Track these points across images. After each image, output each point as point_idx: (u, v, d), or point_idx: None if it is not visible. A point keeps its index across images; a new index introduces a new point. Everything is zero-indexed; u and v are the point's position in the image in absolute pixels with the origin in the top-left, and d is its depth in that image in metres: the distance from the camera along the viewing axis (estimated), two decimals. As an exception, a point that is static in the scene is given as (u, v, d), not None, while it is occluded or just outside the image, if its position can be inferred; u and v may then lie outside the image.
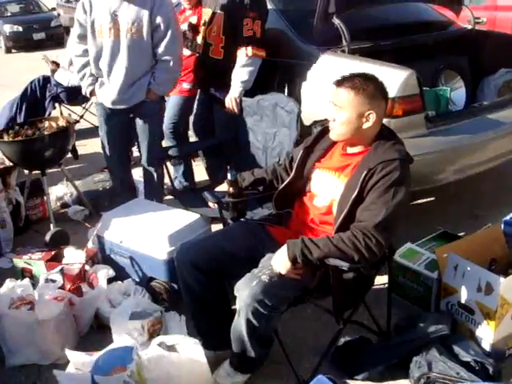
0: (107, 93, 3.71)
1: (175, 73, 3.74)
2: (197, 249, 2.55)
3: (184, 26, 4.42)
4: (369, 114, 2.29)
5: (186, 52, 4.44)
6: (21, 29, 17.39)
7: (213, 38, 3.84)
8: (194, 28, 4.33)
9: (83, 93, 3.89)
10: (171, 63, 3.62)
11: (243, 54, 3.64)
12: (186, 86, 4.46)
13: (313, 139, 2.63)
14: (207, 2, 3.98)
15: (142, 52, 3.59)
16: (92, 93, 3.80)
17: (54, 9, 19.30)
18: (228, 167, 2.77)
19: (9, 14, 19.23)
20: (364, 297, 2.62)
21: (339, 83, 2.34)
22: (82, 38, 3.70)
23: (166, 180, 4.28)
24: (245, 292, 2.22)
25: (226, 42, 3.76)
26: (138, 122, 3.82)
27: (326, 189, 2.46)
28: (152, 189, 3.99)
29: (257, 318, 2.24)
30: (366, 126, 2.31)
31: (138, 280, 3.21)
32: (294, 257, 2.19)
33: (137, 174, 4.47)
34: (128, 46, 3.55)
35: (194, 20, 4.38)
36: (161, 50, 3.59)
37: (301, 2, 4.54)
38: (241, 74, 3.65)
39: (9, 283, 3.05)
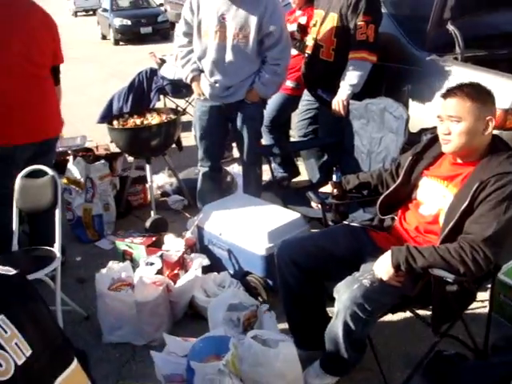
0: (208, 88, 3.76)
1: (282, 77, 3.75)
2: (298, 246, 2.56)
3: (293, 27, 4.45)
4: (488, 121, 2.22)
5: (293, 51, 4.47)
6: (129, 22, 18.10)
7: (324, 40, 3.82)
8: (303, 28, 4.35)
9: (184, 79, 3.93)
10: (280, 68, 3.64)
11: (354, 57, 3.60)
12: (289, 83, 4.49)
13: (422, 146, 2.58)
14: (320, 3, 3.97)
15: (247, 56, 3.59)
16: (193, 79, 3.82)
17: (161, 4, 19.97)
18: (334, 169, 2.75)
19: (119, 8, 20.07)
20: (463, 311, 2.55)
21: (449, 94, 2.27)
22: (187, 35, 3.78)
23: (265, 177, 4.31)
24: (345, 294, 2.22)
25: (338, 44, 3.73)
26: (238, 122, 3.83)
27: (434, 198, 2.40)
28: (250, 185, 4.03)
29: (354, 322, 2.23)
30: (485, 133, 2.24)
31: (233, 273, 3.26)
32: (398, 264, 2.16)
33: (236, 168, 4.54)
34: (233, 51, 3.56)
35: (303, 20, 4.40)
36: (273, 54, 3.60)
37: (414, 7, 4.44)
38: (350, 77, 3.61)
39: (111, 264, 3.18)
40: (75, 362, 1.13)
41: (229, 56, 3.58)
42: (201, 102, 3.88)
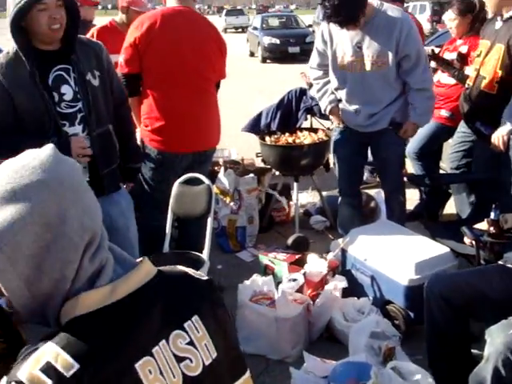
0: (350, 116, 3.75)
1: (434, 100, 3.72)
2: (449, 282, 2.50)
3: (452, 55, 4.36)
4: None
5: (451, 81, 4.38)
6: (278, 41, 18.61)
7: (488, 71, 3.70)
8: (463, 58, 4.25)
9: (322, 111, 3.98)
10: (429, 91, 3.61)
11: None
12: (444, 113, 4.40)
13: None
14: (486, 33, 3.85)
15: (388, 81, 3.58)
16: (332, 111, 3.85)
17: (310, 25, 20.23)
18: (493, 206, 2.66)
19: (269, 27, 20.67)
20: None
21: None
22: (322, 66, 3.80)
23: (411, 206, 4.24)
24: (498, 339, 2.13)
25: (503, 76, 3.60)
26: (381, 148, 3.80)
27: None
28: (393, 213, 3.96)
29: (506, 368, 2.12)
30: None
31: (373, 300, 3.22)
32: None
33: (381, 193, 4.50)
34: (372, 79, 3.55)
35: (464, 49, 4.30)
36: (415, 79, 3.55)
37: None
38: (513, 111, 3.47)
39: (255, 277, 3.26)
40: (248, 373, 1.18)
41: (368, 84, 3.58)
42: (340, 129, 3.90)
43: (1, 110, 2.50)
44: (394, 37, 3.45)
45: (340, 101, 3.80)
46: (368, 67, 3.54)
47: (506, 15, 3.57)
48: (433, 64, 4.47)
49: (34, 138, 2.39)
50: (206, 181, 3.28)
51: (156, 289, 1.08)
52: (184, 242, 3.69)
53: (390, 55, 3.48)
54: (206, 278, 1.17)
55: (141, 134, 3.50)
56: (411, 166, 4.68)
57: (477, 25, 4.19)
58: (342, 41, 3.59)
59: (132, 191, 3.15)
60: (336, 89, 3.76)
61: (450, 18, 4.34)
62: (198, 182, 3.32)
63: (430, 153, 4.62)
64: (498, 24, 3.66)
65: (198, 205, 3.26)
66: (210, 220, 3.24)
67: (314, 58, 3.86)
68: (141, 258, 1.10)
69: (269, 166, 4.51)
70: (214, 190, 4.18)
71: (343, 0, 3.29)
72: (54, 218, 0.97)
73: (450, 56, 4.42)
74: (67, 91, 2.60)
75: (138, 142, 3.43)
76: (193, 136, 3.48)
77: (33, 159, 1.00)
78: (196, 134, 3.49)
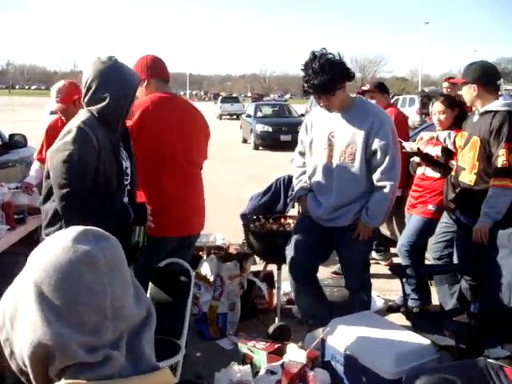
0: (314, 207, 3.73)
1: (390, 202, 3.60)
2: (427, 378, 2.42)
3: (436, 150, 4.43)
4: None
5: (436, 174, 4.43)
6: (270, 129, 19.05)
7: (467, 163, 3.77)
8: (448, 152, 4.31)
9: (292, 197, 4.00)
10: (388, 191, 3.51)
11: (497, 184, 3.49)
12: (431, 207, 4.42)
13: None
14: (466, 126, 3.95)
15: (356, 176, 3.52)
16: (300, 199, 3.85)
17: (302, 115, 20.72)
18: (473, 299, 2.64)
19: (262, 115, 21.19)
20: None
21: None
22: (302, 154, 3.87)
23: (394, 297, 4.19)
24: None
25: (480, 168, 3.67)
26: (342, 247, 3.73)
27: None
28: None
29: None
30: None
31: (354, 393, 3.14)
32: None
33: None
34: (339, 169, 3.53)
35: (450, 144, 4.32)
36: (377, 176, 3.51)
37: None
38: (492, 204, 3.50)
39: (232, 365, 3.18)
40: None
41: (336, 175, 3.56)
42: (304, 218, 3.86)
43: (92, 167, 2.65)
44: (365, 131, 3.45)
45: (311, 191, 3.78)
46: (337, 158, 3.54)
47: (482, 109, 3.69)
48: (417, 159, 4.56)
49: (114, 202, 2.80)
50: (187, 266, 3.25)
51: None
52: (162, 328, 3.60)
53: (359, 149, 3.47)
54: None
55: None
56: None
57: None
58: (318, 130, 3.65)
59: None
60: (309, 177, 3.77)
61: (440, 111, 4.41)
62: (180, 267, 3.29)
63: (420, 248, 4.63)
64: (476, 117, 3.78)
65: (177, 290, 3.22)
66: (188, 306, 3.18)
67: (298, 147, 3.94)
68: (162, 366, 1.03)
69: (251, 252, 4.49)
70: (196, 275, 4.16)
71: (325, 65, 3.36)
72: None
73: (434, 151, 4.49)
74: (127, 165, 2.94)
75: None
76: (180, 221, 3.49)
77: None
78: (183, 218, 3.50)
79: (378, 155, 3.47)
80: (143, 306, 1.01)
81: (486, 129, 3.61)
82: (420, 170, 4.60)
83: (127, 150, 3.00)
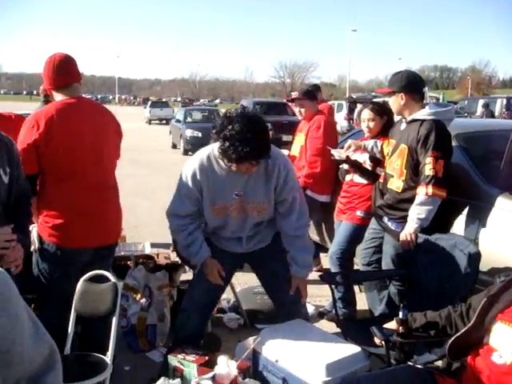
0: (229, 243, 3.57)
1: (311, 251, 3.59)
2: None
3: (364, 156, 4.49)
4: None
5: (363, 180, 4.48)
6: (200, 134, 18.88)
7: (394, 170, 3.83)
8: (375, 160, 4.37)
9: (192, 262, 3.63)
10: (305, 239, 3.50)
11: (423, 191, 3.54)
12: (359, 213, 4.48)
13: (497, 290, 2.46)
14: (393, 133, 4.02)
15: (271, 217, 3.47)
16: (206, 260, 3.46)
17: (231, 119, 20.79)
18: (401, 305, 2.66)
19: (191, 120, 21.07)
20: None
21: None
22: (189, 213, 3.48)
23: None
24: None
25: (407, 175, 3.73)
26: (265, 262, 3.60)
27: (508, 346, 2.25)
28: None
29: None
30: None
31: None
32: None
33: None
34: (253, 222, 3.44)
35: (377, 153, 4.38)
36: (289, 225, 3.42)
37: (486, 142, 4.46)
38: (419, 211, 3.56)
39: (162, 380, 3.09)
40: None
41: (251, 222, 3.44)
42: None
43: None
44: (273, 183, 3.31)
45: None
46: (249, 213, 3.38)
47: (409, 118, 3.75)
48: (345, 166, 4.60)
49: None
50: (112, 278, 3.15)
51: None
52: (88, 342, 3.49)
53: (271, 200, 3.38)
54: None
55: (38, 229, 3.37)
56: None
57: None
58: (220, 186, 3.31)
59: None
60: (212, 233, 3.57)
61: (369, 118, 4.48)
62: (104, 279, 3.19)
63: (351, 256, 4.66)
64: (403, 125, 3.85)
65: (103, 304, 3.13)
66: (115, 319, 3.09)
67: (179, 206, 3.49)
68: None
69: (180, 262, 4.40)
70: (124, 286, 4.04)
71: (255, 136, 3.03)
72: None
73: (362, 157, 4.54)
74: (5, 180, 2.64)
75: (35, 239, 3.35)
76: (93, 231, 3.39)
77: None
78: (97, 228, 3.40)
79: (287, 204, 3.39)
80: (44, 344, 0.88)
81: (414, 137, 3.67)
82: (348, 177, 4.65)
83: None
